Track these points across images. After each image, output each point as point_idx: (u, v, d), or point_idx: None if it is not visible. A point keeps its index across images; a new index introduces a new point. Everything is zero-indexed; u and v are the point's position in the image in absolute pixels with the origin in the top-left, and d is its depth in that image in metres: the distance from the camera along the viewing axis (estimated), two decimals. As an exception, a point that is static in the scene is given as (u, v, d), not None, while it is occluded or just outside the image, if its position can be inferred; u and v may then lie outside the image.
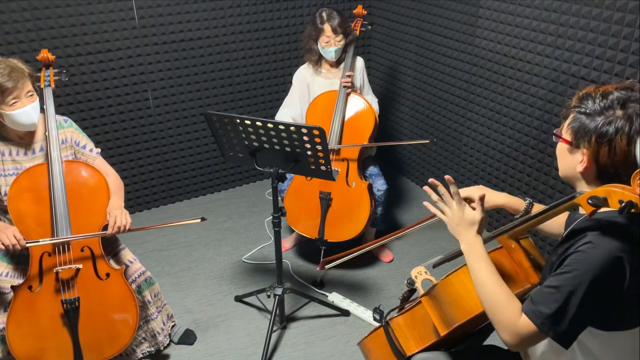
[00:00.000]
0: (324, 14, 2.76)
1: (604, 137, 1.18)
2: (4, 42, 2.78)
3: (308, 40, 2.84)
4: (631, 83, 1.24)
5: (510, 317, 1.24)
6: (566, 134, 1.27)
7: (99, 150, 2.25)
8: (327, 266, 1.95)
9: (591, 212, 1.15)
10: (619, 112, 1.18)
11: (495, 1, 2.77)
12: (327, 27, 2.73)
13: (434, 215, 1.49)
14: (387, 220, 3.36)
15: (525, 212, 1.58)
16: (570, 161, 1.27)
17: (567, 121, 1.28)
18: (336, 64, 2.91)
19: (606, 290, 1.16)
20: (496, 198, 1.61)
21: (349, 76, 2.75)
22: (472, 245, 1.36)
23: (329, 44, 2.76)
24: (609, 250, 1.14)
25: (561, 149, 1.30)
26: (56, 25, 2.88)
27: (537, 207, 1.59)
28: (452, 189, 1.40)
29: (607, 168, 1.20)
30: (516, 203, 1.61)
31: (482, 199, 1.37)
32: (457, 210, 1.39)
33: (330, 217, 2.75)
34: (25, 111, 1.97)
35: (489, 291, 1.29)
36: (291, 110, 2.93)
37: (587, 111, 1.22)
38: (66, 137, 2.15)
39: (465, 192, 1.62)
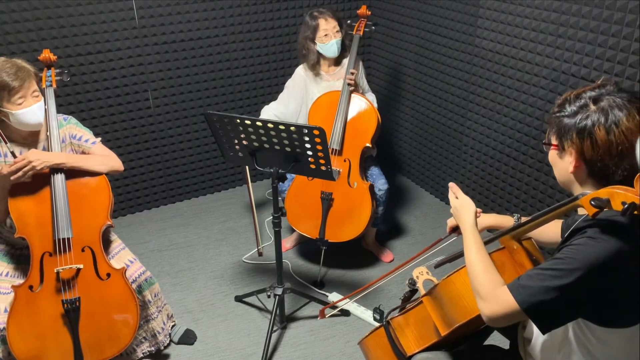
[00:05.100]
0: (314, 12, 2.78)
1: (583, 132, 1.23)
2: (4, 42, 2.78)
3: (304, 43, 2.82)
4: (604, 81, 1.30)
5: (489, 286, 1.30)
6: (553, 139, 1.32)
7: (95, 139, 2.21)
8: (327, 315, 2.03)
9: (594, 213, 1.16)
10: (593, 107, 1.23)
11: (495, 1, 2.77)
12: (321, 21, 2.73)
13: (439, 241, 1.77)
14: (388, 220, 3.37)
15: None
16: (563, 165, 1.31)
17: (552, 128, 1.33)
18: (334, 63, 2.90)
19: (599, 284, 1.17)
20: (486, 220, 1.69)
21: (352, 73, 2.74)
22: (466, 226, 1.50)
23: (328, 36, 2.75)
24: (608, 245, 1.15)
25: (552, 155, 1.35)
26: (56, 25, 2.87)
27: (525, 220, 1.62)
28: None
29: (595, 162, 1.23)
30: (505, 220, 1.68)
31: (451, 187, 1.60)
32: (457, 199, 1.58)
33: (332, 217, 2.76)
34: (32, 110, 1.98)
35: (473, 261, 1.38)
36: (282, 107, 2.92)
37: (566, 113, 1.28)
38: (65, 135, 2.15)
39: (453, 222, 1.72)
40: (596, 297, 1.19)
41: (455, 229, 1.74)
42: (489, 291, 1.28)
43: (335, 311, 2.02)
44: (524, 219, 1.61)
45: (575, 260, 1.16)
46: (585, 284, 1.16)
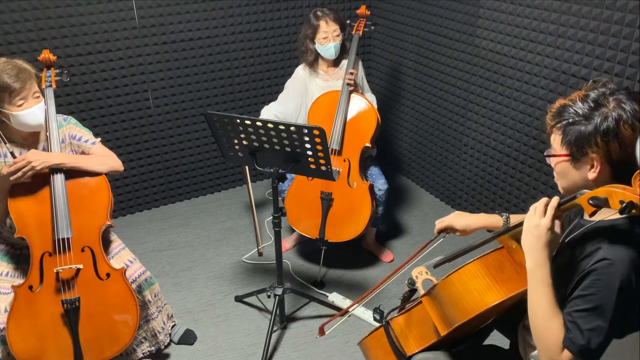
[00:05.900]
0: (318, 12, 2.77)
1: (609, 134, 1.18)
2: (4, 42, 2.78)
3: (304, 41, 2.83)
4: (594, 80, 1.27)
5: (554, 348, 1.22)
6: (562, 150, 1.26)
7: (95, 140, 2.21)
8: (327, 331, 2.04)
9: (592, 212, 1.16)
10: (608, 107, 1.19)
11: (495, 1, 2.77)
12: (322, 23, 2.73)
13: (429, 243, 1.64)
14: (388, 220, 3.37)
15: (504, 226, 1.60)
16: (578, 174, 1.26)
17: (557, 138, 1.27)
18: (333, 64, 2.90)
19: (630, 301, 1.17)
20: (476, 221, 1.65)
21: (351, 73, 2.74)
22: (535, 267, 1.25)
23: (327, 39, 2.75)
24: (625, 263, 1.15)
25: (563, 166, 1.28)
26: (56, 26, 2.88)
27: (514, 218, 1.61)
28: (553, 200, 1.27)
29: (623, 162, 1.19)
30: (495, 220, 1.64)
31: (559, 204, 1.25)
32: (536, 220, 1.26)
33: (331, 217, 2.75)
34: (32, 112, 1.98)
35: (545, 314, 1.24)
36: (281, 107, 2.92)
37: (576, 119, 1.22)
38: (65, 135, 2.15)
39: (444, 222, 1.67)
40: (629, 313, 1.19)
41: (444, 230, 1.73)
42: (556, 354, 1.21)
43: (337, 325, 2.04)
44: (512, 217, 1.61)
45: (606, 293, 1.16)
46: (622, 308, 1.16)
